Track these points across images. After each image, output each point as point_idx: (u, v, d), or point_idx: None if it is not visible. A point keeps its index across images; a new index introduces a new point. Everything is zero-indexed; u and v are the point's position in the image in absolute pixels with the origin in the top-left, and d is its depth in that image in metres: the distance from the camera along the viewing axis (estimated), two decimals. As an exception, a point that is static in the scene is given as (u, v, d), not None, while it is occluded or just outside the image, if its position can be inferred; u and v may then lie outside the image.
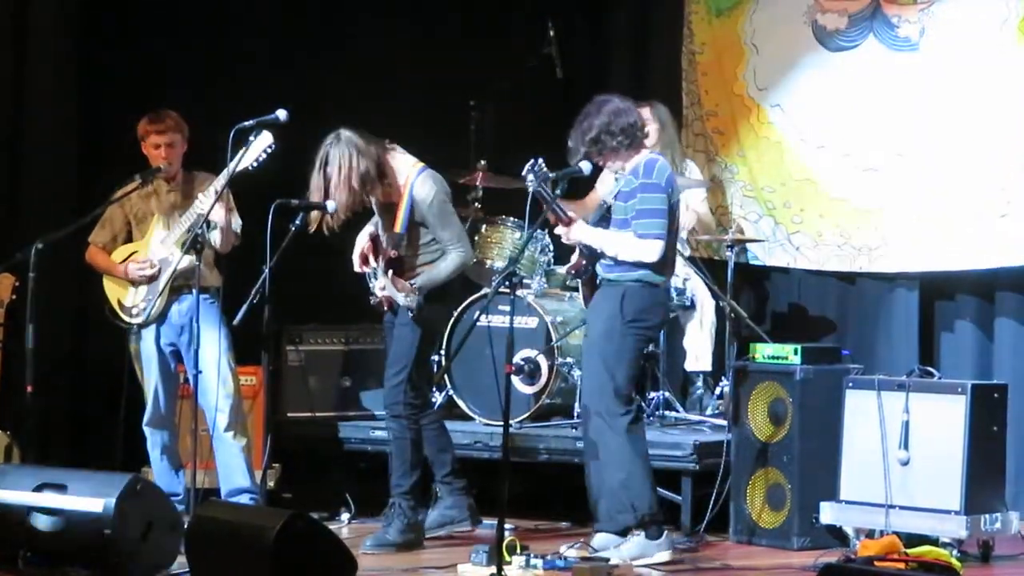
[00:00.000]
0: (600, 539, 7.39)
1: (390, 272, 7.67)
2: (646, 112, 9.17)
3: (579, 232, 7.42)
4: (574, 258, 7.55)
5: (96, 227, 8.20)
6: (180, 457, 8.19)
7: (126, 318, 8.09)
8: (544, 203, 7.34)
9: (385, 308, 7.78)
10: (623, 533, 7.32)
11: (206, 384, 7.78)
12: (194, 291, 7.69)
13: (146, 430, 8.12)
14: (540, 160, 7.33)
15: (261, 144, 7.63)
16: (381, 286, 7.69)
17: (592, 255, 7.46)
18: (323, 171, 7.56)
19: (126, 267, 8.09)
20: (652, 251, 7.28)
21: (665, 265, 7.39)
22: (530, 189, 7.29)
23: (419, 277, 7.68)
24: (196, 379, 7.66)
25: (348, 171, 7.52)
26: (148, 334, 8.07)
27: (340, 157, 7.54)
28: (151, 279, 8.03)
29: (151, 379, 8.10)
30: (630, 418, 7.34)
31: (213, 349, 7.86)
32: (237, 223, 7.99)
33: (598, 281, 7.49)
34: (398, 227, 7.72)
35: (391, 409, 7.81)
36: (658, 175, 7.34)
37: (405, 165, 7.73)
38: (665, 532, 7.37)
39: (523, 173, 7.31)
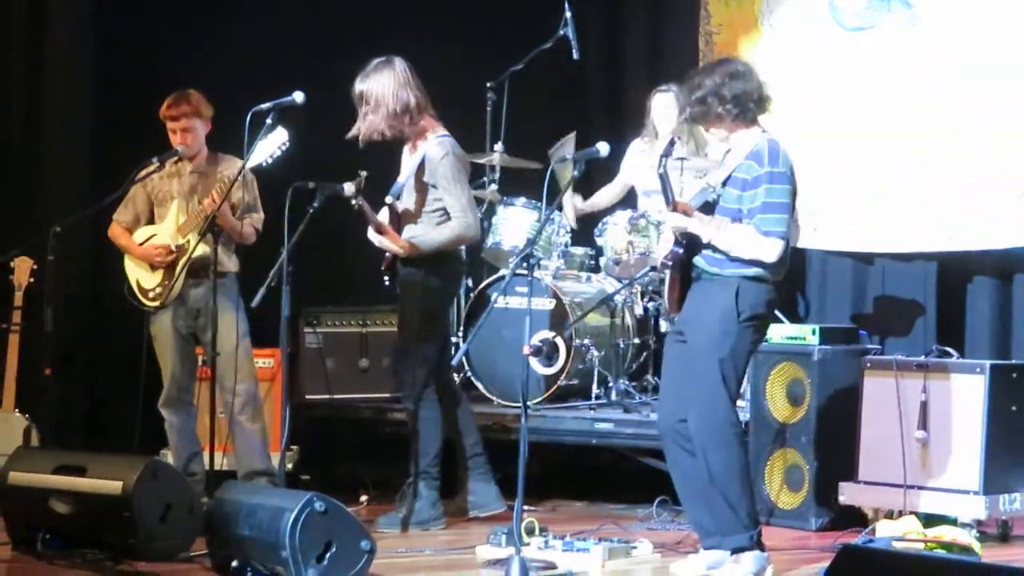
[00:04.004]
0: (713, 556, 6.65)
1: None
2: (669, 98, 9.10)
3: (681, 220, 6.57)
4: (665, 248, 6.72)
5: (120, 206, 8.16)
6: (199, 440, 8.20)
7: (144, 300, 8.09)
8: (662, 185, 6.63)
9: (384, 268, 7.75)
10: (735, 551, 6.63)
11: (223, 367, 7.78)
12: (211, 275, 7.68)
13: (162, 411, 8.13)
14: (675, 144, 6.83)
15: (276, 140, 7.52)
16: (376, 235, 7.62)
17: (692, 246, 6.60)
18: (366, 82, 7.56)
19: (145, 250, 8.08)
20: (774, 251, 6.50)
21: (783, 262, 6.59)
22: (659, 172, 6.63)
23: (415, 237, 7.63)
24: (214, 361, 7.65)
25: (390, 93, 7.52)
26: (165, 316, 8.07)
27: (387, 77, 7.55)
28: (170, 264, 8.02)
29: (168, 361, 8.10)
30: (741, 427, 6.73)
31: (230, 332, 7.86)
32: (259, 216, 7.99)
33: (694, 275, 6.64)
34: (402, 177, 7.71)
35: (403, 391, 7.83)
36: (784, 163, 6.54)
37: (437, 126, 7.70)
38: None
39: (660, 155, 6.69)
